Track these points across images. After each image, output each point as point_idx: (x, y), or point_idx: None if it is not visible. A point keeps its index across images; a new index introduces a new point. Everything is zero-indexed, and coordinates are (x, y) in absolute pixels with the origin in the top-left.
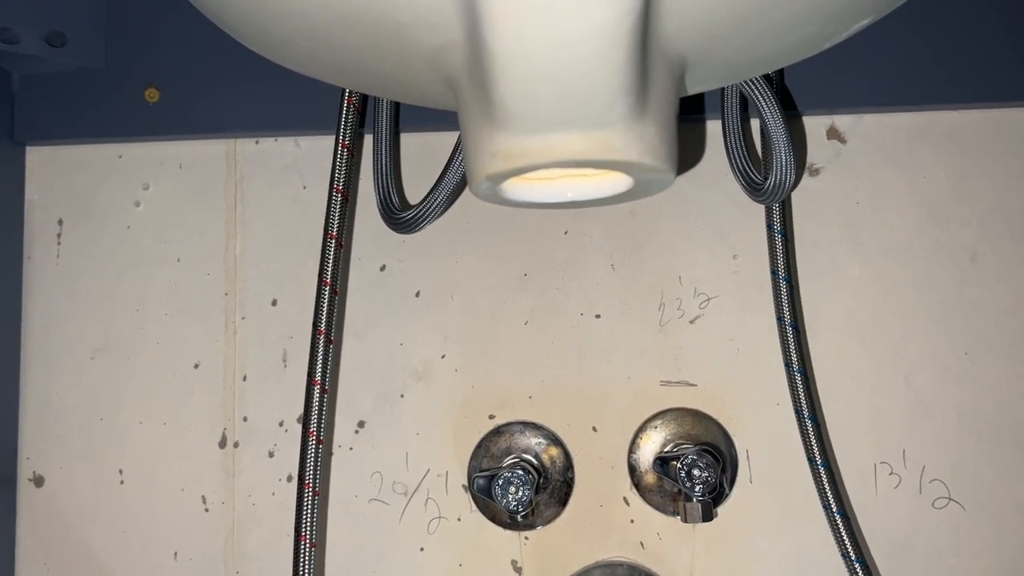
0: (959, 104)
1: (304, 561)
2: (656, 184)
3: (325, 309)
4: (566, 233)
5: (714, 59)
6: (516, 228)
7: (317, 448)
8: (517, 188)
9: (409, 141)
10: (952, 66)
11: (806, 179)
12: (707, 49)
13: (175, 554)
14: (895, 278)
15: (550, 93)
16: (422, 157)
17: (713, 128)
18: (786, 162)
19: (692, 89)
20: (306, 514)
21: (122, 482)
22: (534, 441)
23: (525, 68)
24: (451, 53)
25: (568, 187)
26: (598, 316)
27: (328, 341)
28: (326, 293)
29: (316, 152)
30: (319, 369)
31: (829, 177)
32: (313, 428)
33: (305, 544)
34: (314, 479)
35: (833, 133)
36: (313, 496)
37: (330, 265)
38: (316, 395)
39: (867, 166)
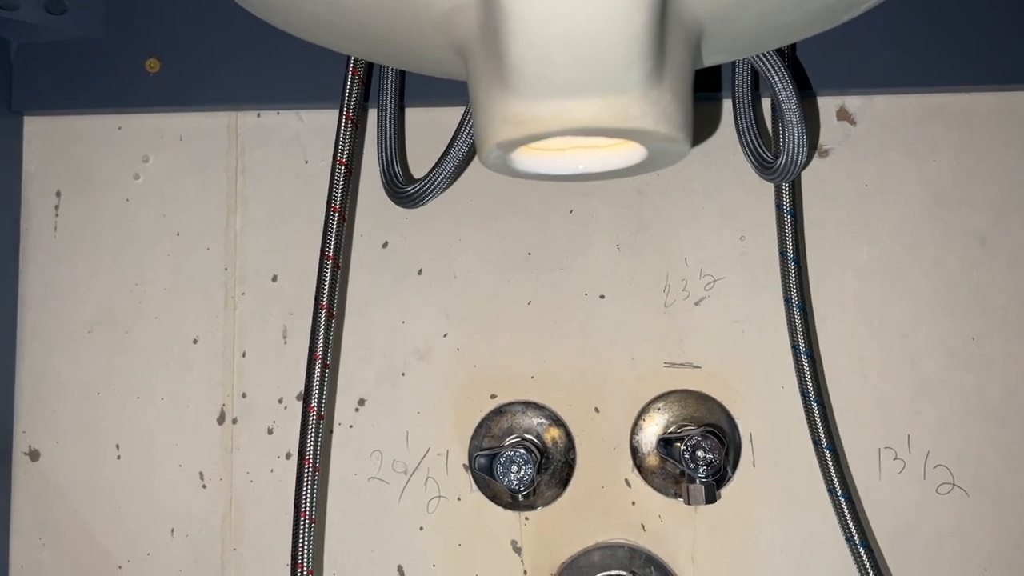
0: (970, 86)
1: (303, 537)
2: (670, 155)
3: (328, 283)
4: (571, 212)
5: (731, 28)
6: (520, 206)
7: (318, 424)
8: (527, 159)
9: (412, 117)
10: (964, 48)
11: (815, 160)
12: (724, 17)
13: (172, 530)
14: (903, 262)
15: (565, 56)
16: (425, 134)
17: (724, 106)
18: (798, 140)
19: (708, 60)
20: (306, 490)
21: (119, 457)
22: (536, 421)
23: (540, 30)
24: (463, 16)
25: (579, 159)
26: (602, 296)
27: (330, 316)
28: (328, 267)
29: (318, 126)
30: (320, 344)
31: (838, 158)
32: (314, 403)
33: (305, 520)
34: (315, 455)
35: (843, 114)
36: (313, 472)
37: (333, 239)
38: (317, 370)
39: (877, 148)
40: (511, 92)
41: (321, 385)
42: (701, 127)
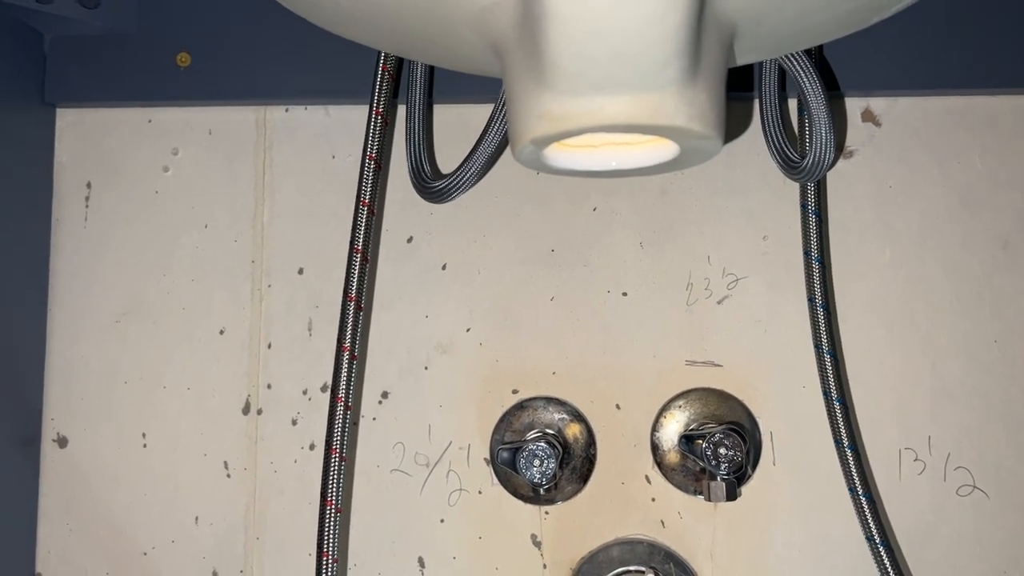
0: (995, 89)
1: (329, 526)
2: (702, 152)
3: (356, 276)
4: (595, 210)
5: (764, 28)
6: (544, 203)
7: (345, 414)
8: (560, 155)
9: (437, 113)
10: (989, 50)
11: (839, 161)
12: (758, 16)
13: (196, 519)
14: (926, 264)
15: (603, 53)
16: (450, 130)
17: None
18: (826, 139)
19: (740, 60)
20: (333, 479)
21: (145, 445)
22: (557, 417)
23: (579, 26)
24: (499, 13)
25: (612, 155)
26: (625, 294)
27: (359, 308)
28: (357, 260)
29: (346, 122)
30: (348, 335)
31: (862, 160)
32: (342, 394)
33: (331, 509)
34: (341, 445)
35: (868, 115)
36: (340, 462)
37: (362, 232)
38: (345, 361)
39: (901, 150)
40: (547, 88)
41: (349, 376)
42: (729, 127)
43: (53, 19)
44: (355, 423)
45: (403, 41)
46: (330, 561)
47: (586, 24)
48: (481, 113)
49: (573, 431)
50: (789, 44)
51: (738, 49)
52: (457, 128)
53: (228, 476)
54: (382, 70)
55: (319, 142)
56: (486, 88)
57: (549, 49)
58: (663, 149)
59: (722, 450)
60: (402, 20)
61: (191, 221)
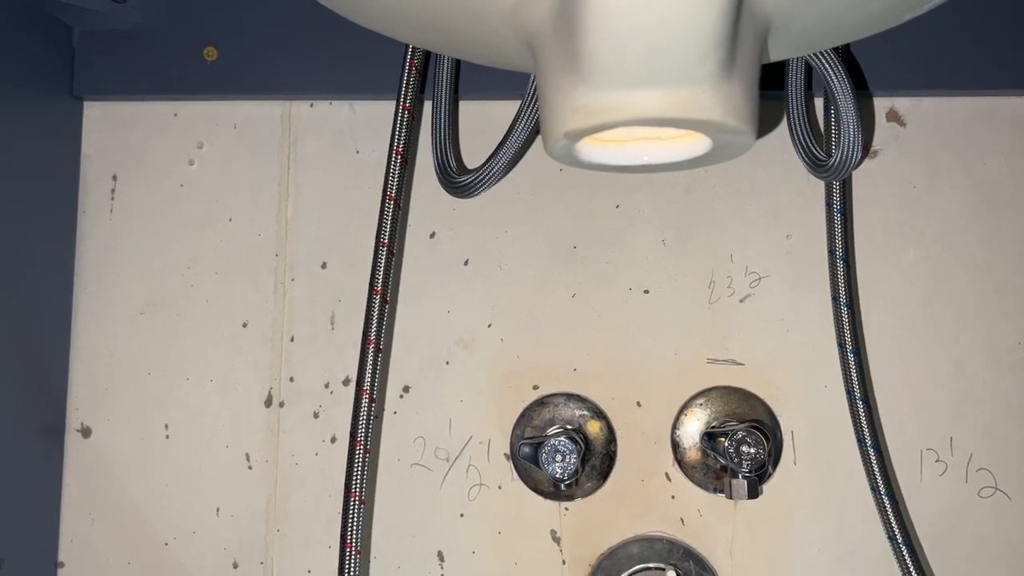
0: (1021, 90)
1: (353, 517)
2: (735, 148)
3: (382, 269)
4: (617, 207)
5: (797, 24)
6: (567, 200)
7: (370, 406)
8: (592, 149)
9: (463, 109)
10: (1015, 51)
11: (864, 161)
12: (792, 13)
13: (217, 510)
14: (949, 264)
15: (641, 46)
16: (472, 126)
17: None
18: (854, 137)
19: (772, 56)
20: (357, 470)
21: (168, 437)
22: (577, 413)
23: (618, 19)
24: (534, 6)
25: (644, 150)
26: (647, 291)
27: (384, 301)
28: (383, 254)
29: (370, 117)
30: (374, 328)
31: (887, 159)
32: (367, 386)
33: (355, 501)
34: (366, 437)
35: (893, 115)
36: (364, 453)
37: (388, 226)
38: (370, 354)
39: (926, 150)
40: (583, 82)
41: (374, 369)
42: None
43: (82, 13)
44: (377, 417)
45: (435, 35)
46: (353, 552)
47: (624, 17)
48: (502, 109)
49: (593, 428)
50: (822, 41)
51: (771, 45)
52: (478, 124)
53: (250, 468)
54: (409, 65)
55: (343, 137)
56: (509, 84)
57: (586, 42)
58: (695, 144)
59: (744, 448)
60: (435, 14)
61: (215, 214)
